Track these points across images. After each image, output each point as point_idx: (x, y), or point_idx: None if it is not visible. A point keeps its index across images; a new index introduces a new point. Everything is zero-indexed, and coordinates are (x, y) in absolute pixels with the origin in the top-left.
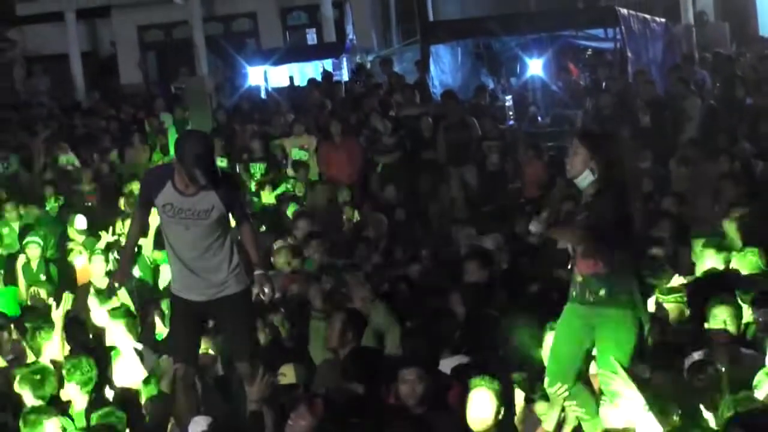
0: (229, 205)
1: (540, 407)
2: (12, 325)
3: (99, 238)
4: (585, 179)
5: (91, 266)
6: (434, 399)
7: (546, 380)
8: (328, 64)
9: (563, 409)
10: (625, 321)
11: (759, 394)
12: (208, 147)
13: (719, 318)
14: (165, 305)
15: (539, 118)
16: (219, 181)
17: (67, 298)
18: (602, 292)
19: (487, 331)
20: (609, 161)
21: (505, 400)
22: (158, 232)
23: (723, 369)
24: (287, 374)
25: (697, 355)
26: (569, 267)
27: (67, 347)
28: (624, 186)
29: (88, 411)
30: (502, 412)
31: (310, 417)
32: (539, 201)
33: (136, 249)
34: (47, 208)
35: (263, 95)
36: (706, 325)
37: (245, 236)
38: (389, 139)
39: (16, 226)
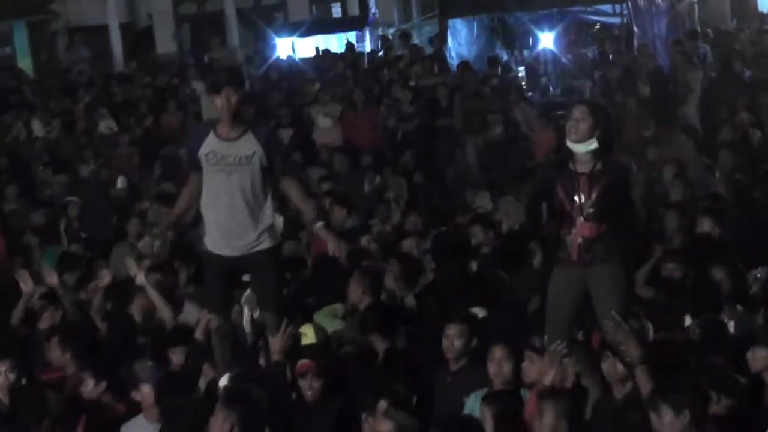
0: (270, 154)
1: (538, 365)
2: None
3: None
4: (589, 146)
5: (128, 226)
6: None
7: (545, 338)
8: (351, 36)
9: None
10: (619, 275)
11: None
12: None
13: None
14: None
15: (550, 89)
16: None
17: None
18: (599, 252)
19: (496, 290)
20: (609, 134)
21: (517, 357)
22: None
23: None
24: (308, 334)
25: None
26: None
27: None
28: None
29: None
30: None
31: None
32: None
33: (187, 206)
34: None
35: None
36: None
37: (293, 190)
38: (409, 108)
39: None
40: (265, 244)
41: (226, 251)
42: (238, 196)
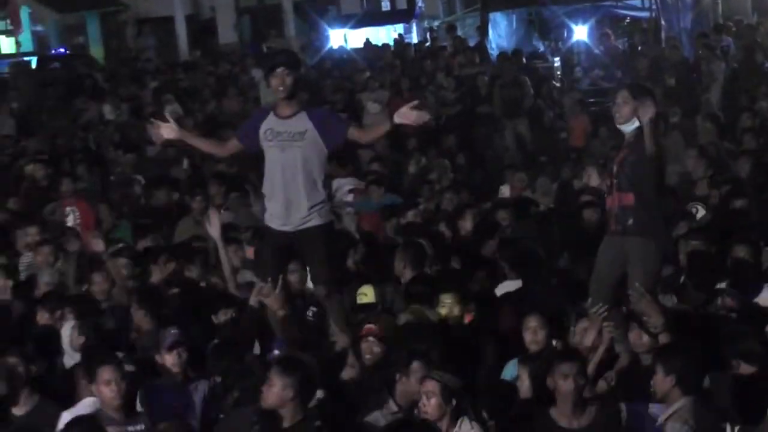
0: (324, 134)
1: (581, 326)
2: None
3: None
4: (631, 125)
5: (192, 203)
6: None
7: (588, 301)
8: (399, 28)
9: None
10: (649, 249)
11: None
12: None
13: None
14: None
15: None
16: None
17: None
18: (630, 222)
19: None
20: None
21: (550, 326)
22: None
23: None
24: (368, 294)
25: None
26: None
27: None
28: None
29: None
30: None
31: (381, 343)
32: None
33: (202, 145)
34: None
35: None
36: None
37: (360, 130)
38: (452, 95)
39: None
40: (316, 220)
41: (281, 226)
42: (290, 171)
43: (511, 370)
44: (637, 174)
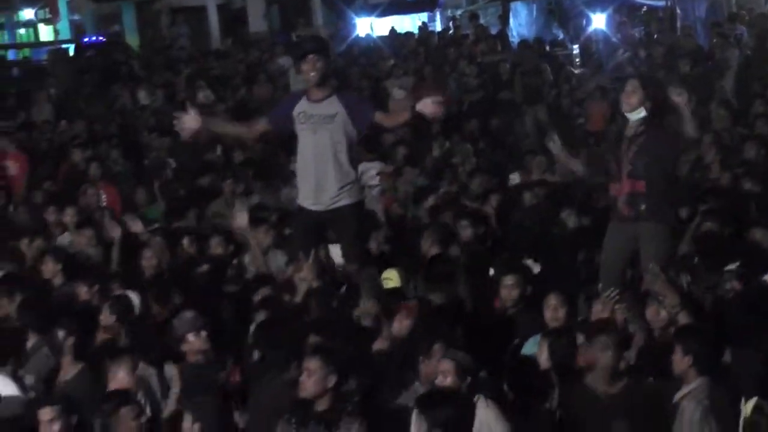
0: (354, 119)
1: (596, 308)
2: None
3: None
4: (638, 114)
5: (224, 185)
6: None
7: (600, 285)
8: (423, 16)
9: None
10: (662, 232)
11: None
12: None
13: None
14: None
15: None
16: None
17: None
18: (643, 207)
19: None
20: (658, 104)
21: (570, 304)
22: None
23: None
24: (392, 278)
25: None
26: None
27: None
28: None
29: None
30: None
31: (410, 316)
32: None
33: (229, 129)
34: None
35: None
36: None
37: (385, 115)
38: (474, 81)
39: None
40: (347, 199)
41: (312, 205)
42: (321, 152)
43: (530, 346)
44: (650, 162)
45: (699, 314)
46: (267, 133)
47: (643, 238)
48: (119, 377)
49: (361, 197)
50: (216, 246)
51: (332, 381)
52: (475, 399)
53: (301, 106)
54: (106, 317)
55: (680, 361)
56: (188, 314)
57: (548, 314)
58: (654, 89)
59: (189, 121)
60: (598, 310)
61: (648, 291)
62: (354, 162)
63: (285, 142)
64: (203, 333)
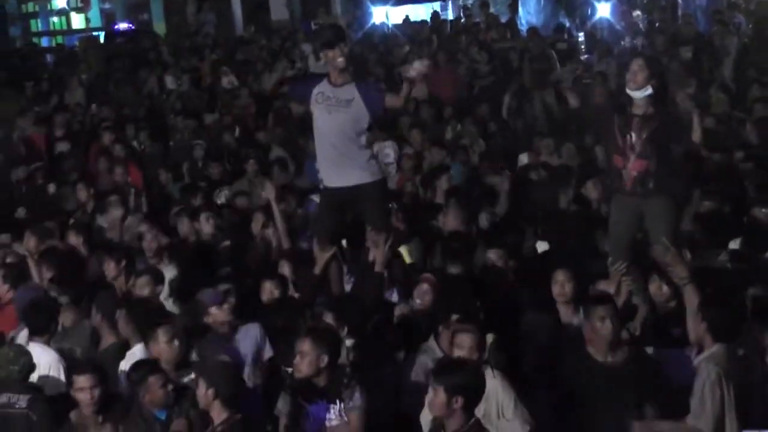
0: (367, 98)
1: (602, 284)
2: None
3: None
4: (644, 93)
5: (246, 166)
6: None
7: (609, 259)
8: (436, 5)
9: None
10: (670, 208)
11: None
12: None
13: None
14: None
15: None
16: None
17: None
18: (651, 185)
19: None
20: (663, 83)
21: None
22: None
23: None
24: (403, 254)
25: (733, 244)
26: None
27: None
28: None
29: None
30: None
31: (432, 290)
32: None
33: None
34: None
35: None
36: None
37: (391, 96)
38: (484, 67)
39: None
40: (367, 177)
41: (332, 183)
42: (335, 133)
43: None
44: (661, 145)
45: (706, 287)
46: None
47: (651, 214)
48: (161, 344)
49: (383, 175)
50: (257, 222)
51: (325, 360)
52: (483, 369)
53: (321, 87)
54: (141, 288)
55: (698, 327)
56: (212, 288)
57: (556, 289)
58: (658, 67)
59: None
60: (604, 286)
61: (652, 266)
62: (368, 143)
63: (304, 125)
64: (226, 306)
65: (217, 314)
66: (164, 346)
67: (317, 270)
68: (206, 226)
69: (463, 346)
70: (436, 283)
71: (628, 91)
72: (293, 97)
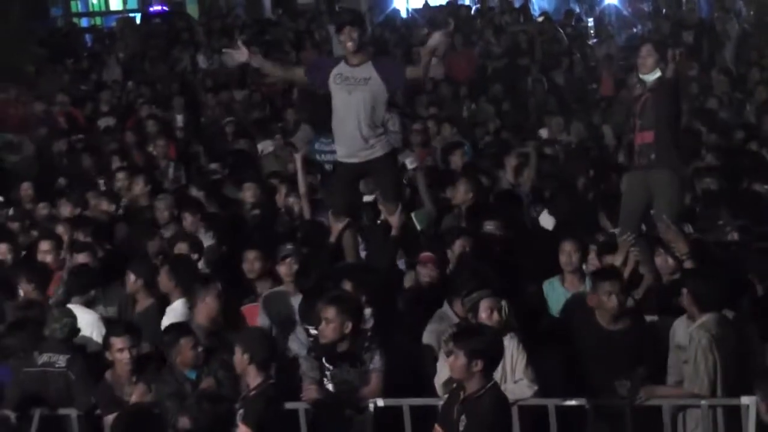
0: (386, 75)
1: (607, 260)
2: None
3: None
4: (653, 75)
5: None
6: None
7: (618, 229)
8: None
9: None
10: (673, 182)
11: None
12: None
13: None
14: None
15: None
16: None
17: None
18: (652, 156)
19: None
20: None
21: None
22: None
23: None
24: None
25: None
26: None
27: None
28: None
29: None
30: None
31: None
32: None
33: (270, 67)
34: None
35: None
36: None
37: (412, 68)
38: (498, 49)
39: None
40: (380, 151)
41: (349, 158)
42: (355, 110)
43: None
44: (657, 114)
45: (705, 261)
46: (300, 81)
47: (656, 188)
48: (207, 303)
49: (392, 147)
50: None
51: (348, 327)
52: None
53: (339, 69)
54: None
55: (686, 299)
56: (287, 246)
57: (563, 259)
58: (666, 51)
59: (237, 55)
60: (610, 259)
61: (659, 239)
62: (383, 118)
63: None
64: (291, 263)
65: (281, 269)
66: (208, 301)
67: (332, 239)
68: (248, 195)
69: (485, 310)
70: (438, 260)
71: (639, 75)
72: (310, 83)
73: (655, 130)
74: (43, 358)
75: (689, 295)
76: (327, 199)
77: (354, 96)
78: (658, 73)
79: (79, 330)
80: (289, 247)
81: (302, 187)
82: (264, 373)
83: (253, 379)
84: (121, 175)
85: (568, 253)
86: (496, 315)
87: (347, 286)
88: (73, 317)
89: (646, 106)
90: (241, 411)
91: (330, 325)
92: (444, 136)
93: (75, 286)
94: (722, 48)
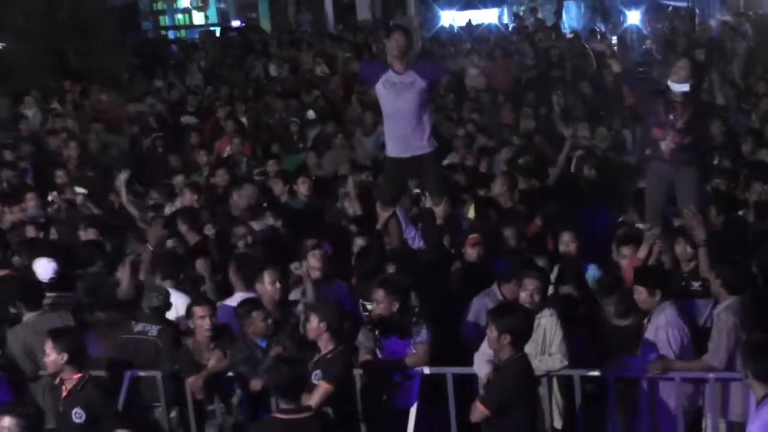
0: (426, 73)
1: (624, 251)
2: None
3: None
4: (683, 87)
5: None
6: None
7: (646, 225)
8: (495, 12)
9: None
10: (698, 177)
11: None
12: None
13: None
14: None
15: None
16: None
17: None
18: (686, 156)
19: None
20: (699, 80)
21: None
22: None
23: None
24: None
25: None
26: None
27: None
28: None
29: None
30: None
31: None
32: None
33: None
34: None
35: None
36: None
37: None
38: (531, 62)
39: None
40: (427, 148)
41: (398, 154)
42: (402, 112)
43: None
44: (697, 124)
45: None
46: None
47: (683, 182)
48: (266, 284)
49: (437, 145)
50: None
51: (396, 306)
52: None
53: (387, 76)
54: (237, 239)
55: (713, 282)
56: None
57: (562, 248)
58: (698, 70)
59: None
60: (627, 251)
61: (678, 229)
62: (429, 118)
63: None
64: (319, 254)
65: (310, 260)
66: (268, 286)
67: (379, 226)
68: (302, 188)
69: (528, 288)
70: (483, 240)
71: (669, 82)
72: (363, 78)
73: (692, 136)
74: (139, 327)
75: (718, 280)
76: (375, 190)
77: (403, 99)
78: (686, 87)
79: (170, 304)
80: (314, 241)
81: (350, 186)
82: (336, 339)
83: (326, 344)
84: (204, 168)
85: (566, 243)
86: (536, 296)
87: (391, 269)
88: (166, 293)
89: (689, 116)
90: (317, 372)
91: (380, 305)
92: (479, 142)
93: (165, 269)
94: (731, 64)
